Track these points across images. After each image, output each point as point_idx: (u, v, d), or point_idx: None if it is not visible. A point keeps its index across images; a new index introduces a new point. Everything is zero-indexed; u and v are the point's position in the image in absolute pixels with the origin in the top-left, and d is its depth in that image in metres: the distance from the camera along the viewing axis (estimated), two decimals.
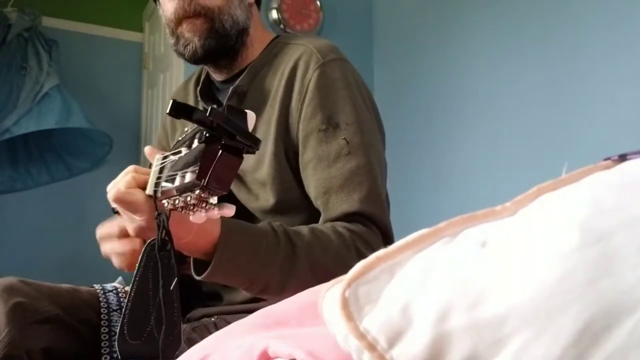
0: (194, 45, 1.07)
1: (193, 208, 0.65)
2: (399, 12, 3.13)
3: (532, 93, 2.36)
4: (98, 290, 1.06)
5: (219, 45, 1.08)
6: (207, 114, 0.60)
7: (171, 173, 0.68)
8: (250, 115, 0.67)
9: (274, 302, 0.95)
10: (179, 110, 0.62)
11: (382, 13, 3.22)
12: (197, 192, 0.62)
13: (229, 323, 0.98)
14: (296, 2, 3.03)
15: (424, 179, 2.75)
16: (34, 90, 2.97)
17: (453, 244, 0.40)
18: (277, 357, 0.45)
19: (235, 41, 1.11)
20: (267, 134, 1.06)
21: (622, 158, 0.46)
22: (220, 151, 0.61)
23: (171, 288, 0.72)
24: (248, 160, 1.08)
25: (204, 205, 0.64)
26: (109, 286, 1.07)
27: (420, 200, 2.70)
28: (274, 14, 2.98)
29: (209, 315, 1.07)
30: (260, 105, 1.09)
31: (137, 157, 3.52)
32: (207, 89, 1.21)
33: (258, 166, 1.06)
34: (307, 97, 1.03)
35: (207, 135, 0.62)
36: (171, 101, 0.62)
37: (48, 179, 3.27)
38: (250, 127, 0.66)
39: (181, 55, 1.10)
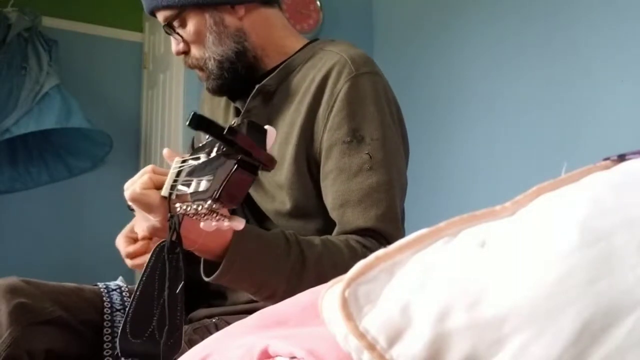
0: (207, 88, 1.16)
1: (203, 216, 0.65)
2: (399, 12, 3.13)
3: (532, 93, 2.36)
4: (102, 289, 1.06)
5: (222, 83, 1.12)
6: (226, 132, 0.60)
7: (187, 178, 0.69)
8: (271, 132, 0.66)
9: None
10: (199, 124, 0.61)
11: (382, 13, 3.22)
12: (208, 202, 0.62)
13: (229, 324, 0.99)
14: (296, 2, 3.02)
15: (424, 179, 2.75)
16: (34, 90, 2.97)
17: (453, 244, 0.40)
18: (277, 356, 0.45)
19: (235, 69, 1.11)
20: (290, 138, 1.05)
21: (621, 158, 0.46)
22: (236, 166, 0.61)
23: (177, 291, 0.72)
24: None
25: (214, 215, 0.65)
26: (112, 284, 1.07)
27: (420, 200, 2.70)
28: None
29: (211, 316, 1.07)
30: (285, 107, 1.09)
31: (137, 157, 3.52)
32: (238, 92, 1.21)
33: (278, 168, 1.05)
34: (335, 107, 1.02)
35: (225, 148, 0.62)
36: (191, 113, 0.62)
37: (48, 179, 3.27)
38: (270, 143, 0.66)
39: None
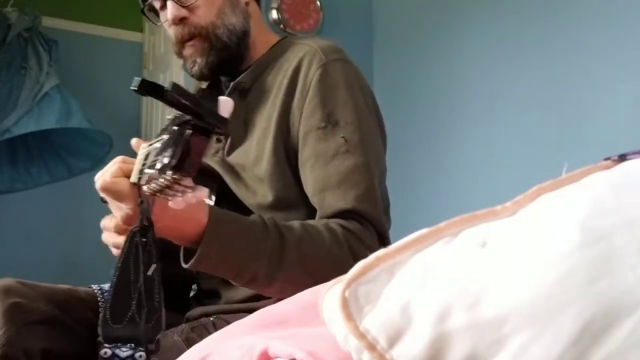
0: (198, 66, 1.11)
1: (169, 192, 0.66)
2: (399, 12, 3.13)
3: (532, 93, 2.36)
4: (96, 290, 1.06)
5: (222, 59, 1.11)
6: (172, 89, 0.61)
7: (153, 160, 0.70)
8: (225, 101, 0.67)
9: (273, 301, 0.95)
10: (147, 89, 0.62)
11: (382, 13, 3.22)
12: (169, 173, 0.63)
13: (227, 322, 0.99)
14: (296, 2, 3.02)
15: (424, 179, 2.75)
16: (34, 90, 2.97)
17: (453, 244, 0.40)
18: (277, 357, 0.45)
19: (238, 48, 1.13)
20: (267, 131, 1.06)
21: (622, 158, 0.46)
22: (189, 132, 0.62)
23: (149, 273, 0.72)
24: (248, 155, 1.08)
25: (177, 188, 0.65)
26: (106, 286, 1.07)
27: (420, 200, 2.70)
28: (274, 14, 2.97)
29: (208, 315, 1.07)
30: (261, 102, 1.10)
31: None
32: (215, 86, 1.22)
33: (257, 162, 1.07)
34: (308, 95, 1.04)
35: (178, 117, 0.64)
36: (139, 79, 0.63)
37: (48, 179, 3.27)
38: (226, 112, 0.66)
39: (191, 75, 1.14)
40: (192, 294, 1.19)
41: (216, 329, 0.98)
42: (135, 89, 0.63)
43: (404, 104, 2.84)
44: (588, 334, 0.32)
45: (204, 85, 1.24)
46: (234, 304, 1.07)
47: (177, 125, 0.65)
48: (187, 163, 0.62)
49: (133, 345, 0.70)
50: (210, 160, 1.14)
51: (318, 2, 3.07)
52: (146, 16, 1.18)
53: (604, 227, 0.36)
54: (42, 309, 0.96)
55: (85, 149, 3.26)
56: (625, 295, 0.32)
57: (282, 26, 2.96)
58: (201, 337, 0.95)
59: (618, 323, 0.32)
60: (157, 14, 1.16)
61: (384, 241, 1.01)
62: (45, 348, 0.93)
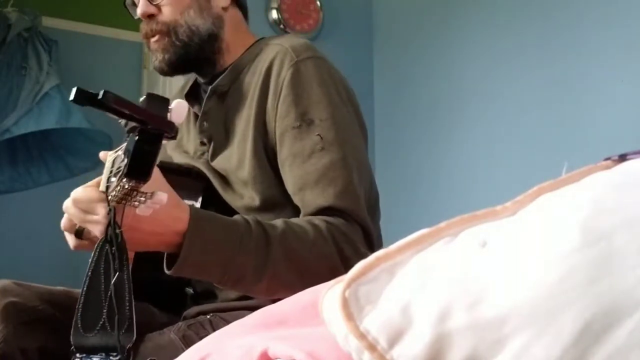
0: (159, 61, 1.14)
1: (130, 199, 0.66)
2: (399, 13, 3.13)
3: (532, 93, 2.36)
4: None
5: (180, 57, 1.13)
6: (100, 97, 0.60)
7: (117, 167, 0.70)
8: (178, 104, 0.66)
9: (270, 300, 0.95)
10: (82, 97, 0.62)
11: (382, 13, 3.22)
12: (124, 181, 0.63)
13: (224, 320, 0.99)
14: (296, 2, 3.02)
15: (424, 179, 2.75)
16: (34, 90, 2.97)
17: (453, 244, 0.40)
18: (277, 358, 0.45)
19: (201, 49, 1.14)
20: (247, 134, 1.07)
21: (622, 158, 0.46)
22: (135, 138, 0.62)
23: (121, 281, 0.71)
24: (230, 160, 1.09)
25: (135, 195, 0.66)
26: None
27: (420, 200, 2.70)
28: (274, 14, 2.97)
29: (205, 313, 1.07)
30: (240, 105, 1.11)
31: None
32: (195, 92, 1.24)
33: (240, 166, 1.07)
34: (281, 95, 1.05)
35: (126, 124, 0.64)
36: (75, 89, 0.62)
37: (48, 179, 3.26)
38: (179, 115, 0.65)
39: (154, 68, 1.18)
40: (188, 296, 1.19)
41: (213, 327, 0.98)
42: (72, 99, 0.63)
43: (404, 104, 2.84)
44: (589, 334, 0.32)
45: (188, 86, 1.25)
46: (230, 302, 1.07)
47: (129, 132, 0.65)
48: (137, 170, 0.62)
49: (104, 354, 0.70)
50: (196, 162, 1.14)
51: (318, 2, 3.06)
52: (127, 10, 1.21)
53: (604, 227, 0.35)
54: (38, 308, 0.96)
55: (85, 149, 3.26)
56: (626, 295, 0.32)
57: (282, 26, 2.95)
58: (198, 335, 0.95)
59: (618, 323, 0.32)
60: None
61: (367, 235, 1.01)
62: (42, 347, 0.94)
